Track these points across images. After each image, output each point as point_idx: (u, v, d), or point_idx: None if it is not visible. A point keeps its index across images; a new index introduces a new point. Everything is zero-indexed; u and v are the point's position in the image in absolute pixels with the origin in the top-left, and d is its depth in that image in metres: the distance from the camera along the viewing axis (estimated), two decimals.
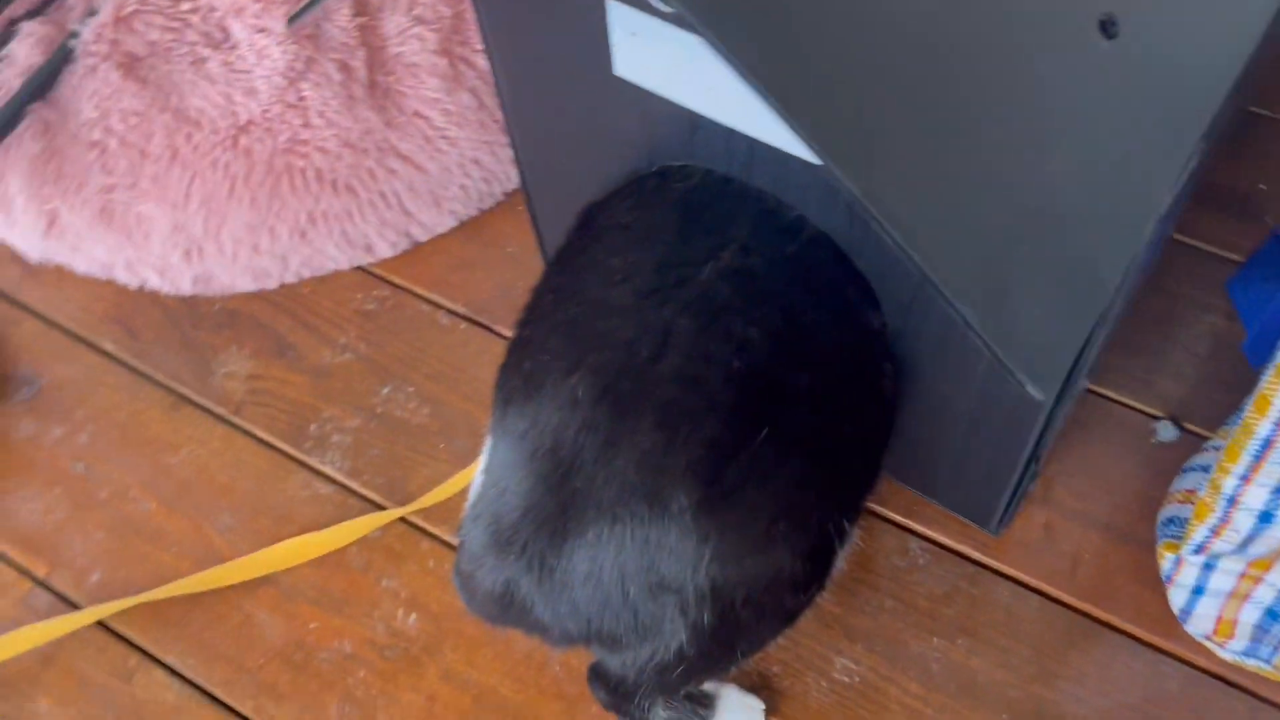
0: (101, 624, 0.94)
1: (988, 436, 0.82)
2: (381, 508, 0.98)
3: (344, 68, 1.03)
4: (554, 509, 0.65)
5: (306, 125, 1.04)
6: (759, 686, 0.87)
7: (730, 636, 0.69)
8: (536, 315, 0.76)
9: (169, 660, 0.93)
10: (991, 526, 0.92)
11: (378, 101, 1.06)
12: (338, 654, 0.92)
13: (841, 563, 0.74)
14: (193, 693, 0.91)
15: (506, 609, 0.69)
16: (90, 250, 1.10)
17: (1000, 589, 0.90)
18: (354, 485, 1.00)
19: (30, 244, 1.12)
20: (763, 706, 0.84)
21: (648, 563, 0.64)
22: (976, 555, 0.92)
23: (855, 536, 0.77)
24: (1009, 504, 0.89)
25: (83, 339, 1.12)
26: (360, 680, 0.90)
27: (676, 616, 0.65)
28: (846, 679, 0.87)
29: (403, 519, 0.97)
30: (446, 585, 0.94)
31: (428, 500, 0.96)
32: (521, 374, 0.71)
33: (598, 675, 0.79)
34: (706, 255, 0.69)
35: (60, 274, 1.16)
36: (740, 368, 0.66)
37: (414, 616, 0.93)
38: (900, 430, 0.83)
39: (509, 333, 1.07)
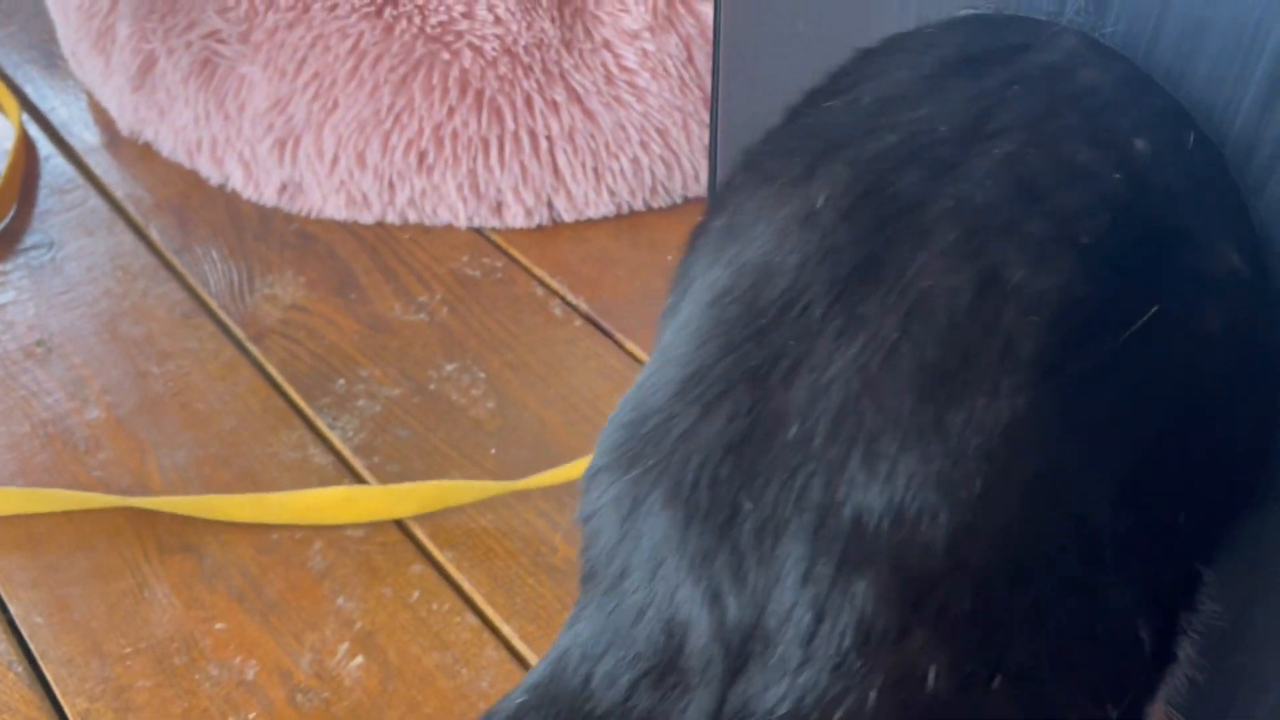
0: None
1: None
2: None
3: None
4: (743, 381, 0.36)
5: (468, 15, 0.81)
6: None
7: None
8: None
9: (12, 607, 0.63)
10: None
11: (565, 17, 0.83)
12: (233, 677, 0.60)
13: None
14: (16, 662, 0.61)
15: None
16: (178, 116, 0.89)
17: None
18: (357, 464, 0.71)
19: (121, 100, 0.93)
20: None
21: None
22: None
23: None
24: None
25: (127, 217, 0.90)
26: None
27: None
28: None
29: (398, 523, 0.67)
30: (421, 632, 0.62)
31: (546, 479, 0.68)
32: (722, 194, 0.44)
33: None
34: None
35: (144, 153, 0.95)
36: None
37: (359, 660, 0.61)
38: None
39: (633, 346, 0.79)
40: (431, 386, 0.76)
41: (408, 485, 0.68)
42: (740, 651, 0.35)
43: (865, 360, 0.35)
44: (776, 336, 0.36)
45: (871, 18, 0.53)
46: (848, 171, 0.38)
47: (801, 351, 0.36)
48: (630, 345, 0.79)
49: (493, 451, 0.72)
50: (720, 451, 0.36)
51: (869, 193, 0.37)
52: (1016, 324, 0.34)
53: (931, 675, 0.34)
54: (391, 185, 0.86)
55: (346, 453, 0.72)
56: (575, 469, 0.67)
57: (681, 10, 0.83)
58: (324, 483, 0.70)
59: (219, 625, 0.62)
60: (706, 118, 0.85)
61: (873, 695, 0.34)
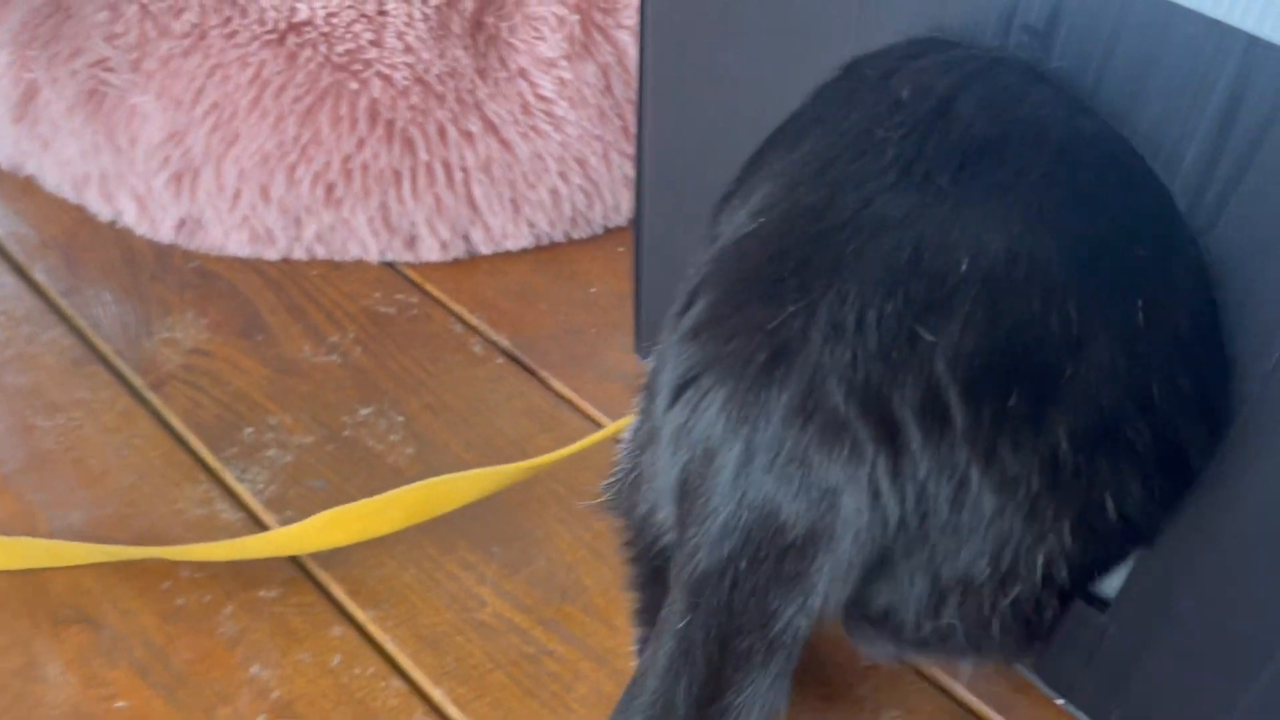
0: None
1: None
2: (296, 558, 0.64)
3: None
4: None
5: (377, 43, 0.78)
6: None
7: None
8: None
9: None
10: None
11: (478, 45, 0.80)
12: None
13: None
14: None
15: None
16: (63, 149, 0.83)
17: None
18: (269, 519, 0.67)
19: (0, 132, 0.87)
20: None
21: None
22: None
23: None
24: None
25: (9, 257, 0.84)
26: None
27: None
28: None
29: (316, 581, 0.63)
30: (345, 701, 0.58)
31: (564, 453, 0.65)
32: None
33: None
34: None
35: (25, 187, 0.89)
36: None
37: None
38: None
39: (559, 384, 0.76)
40: (346, 433, 0.72)
41: (392, 492, 0.63)
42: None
43: None
44: None
45: (806, 44, 0.52)
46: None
47: None
48: (555, 383, 0.76)
49: None
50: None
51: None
52: None
53: (1110, 504, 0.41)
54: (298, 220, 0.82)
55: (256, 507, 0.67)
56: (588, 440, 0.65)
57: (599, 38, 0.81)
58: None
59: (120, 704, 0.58)
60: (627, 147, 0.83)
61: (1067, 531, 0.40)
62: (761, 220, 0.43)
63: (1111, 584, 0.52)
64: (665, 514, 0.45)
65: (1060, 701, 0.59)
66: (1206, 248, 0.41)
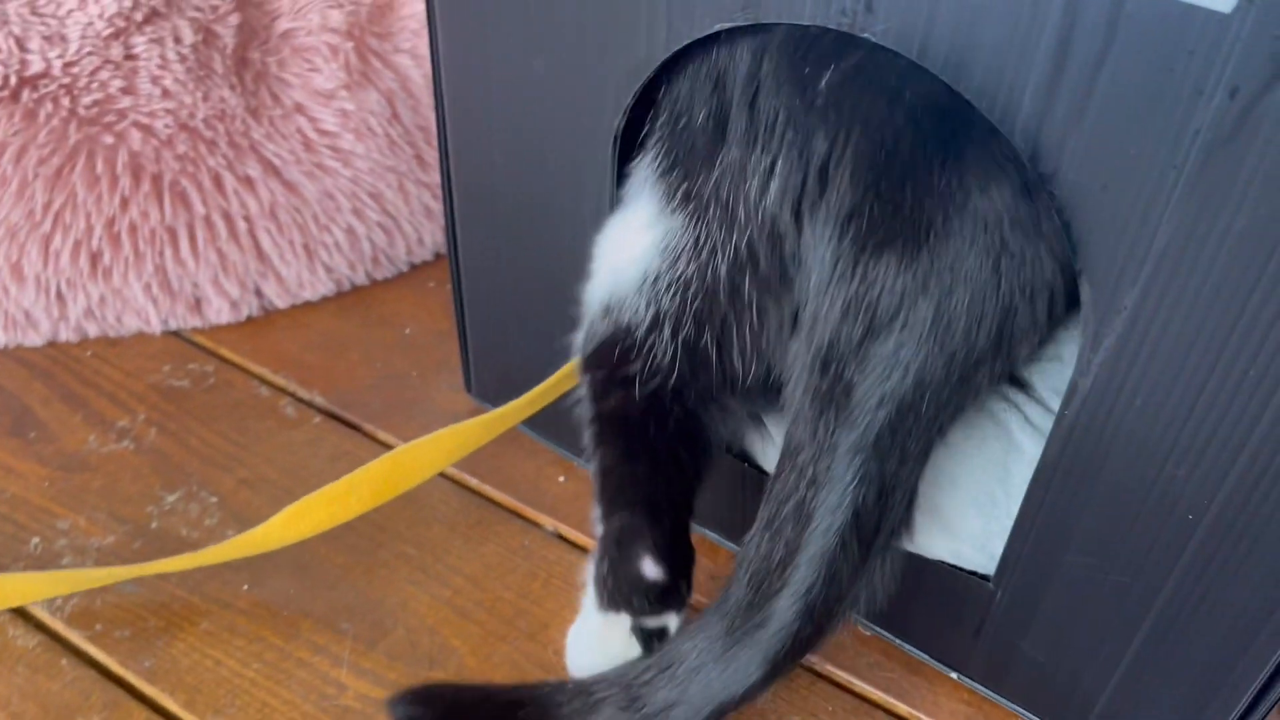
0: None
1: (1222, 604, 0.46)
2: (115, 676, 0.56)
3: (204, 31, 0.71)
4: None
5: (130, 90, 0.70)
6: None
7: None
8: None
9: None
10: None
11: (246, 83, 0.73)
12: None
13: None
14: None
15: None
16: None
17: None
18: (74, 639, 0.58)
19: None
20: None
21: None
22: None
23: None
24: None
25: None
26: None
27: None
28: None
29: (142, 697, 0.55)
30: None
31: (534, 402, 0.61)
32: None
33: None
34: None
35: None
36: None
37: None
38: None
39: (385, 435, 0.70)
40: (154, 525, 0.64)
41: (355, 473, 0.57)
42: None
43: None
44: None
45: (616, 47, 0.49)
46: None
47: None
48: (383, 434, 0.71)
49: (245, 588, 0.61)
50: None
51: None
52: None
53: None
54: (60, 297, 0.72)
55: (58, 627, 0.58)
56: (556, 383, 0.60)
57: (378, 65, 0.76)
58: (32, 671, 0.56)
59: None
60: (423, 176, 0.79)
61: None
62: None
63: (995, 546, 0.52)
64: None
65: (955, 675, 0.58)
66: (1052, 193, 0.40)
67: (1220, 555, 0.45)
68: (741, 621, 0.45)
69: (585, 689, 0.48)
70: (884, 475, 0.45)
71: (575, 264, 0.59)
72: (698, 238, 0.48)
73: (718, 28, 0.45)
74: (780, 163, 0.45)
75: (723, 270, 0.48)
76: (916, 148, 0.43)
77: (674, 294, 0.49)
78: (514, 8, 0.51)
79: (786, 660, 0.45)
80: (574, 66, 0.51)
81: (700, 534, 0.65)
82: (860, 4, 0.41)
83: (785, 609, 0.44)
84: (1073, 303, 0.46)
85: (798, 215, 0.46)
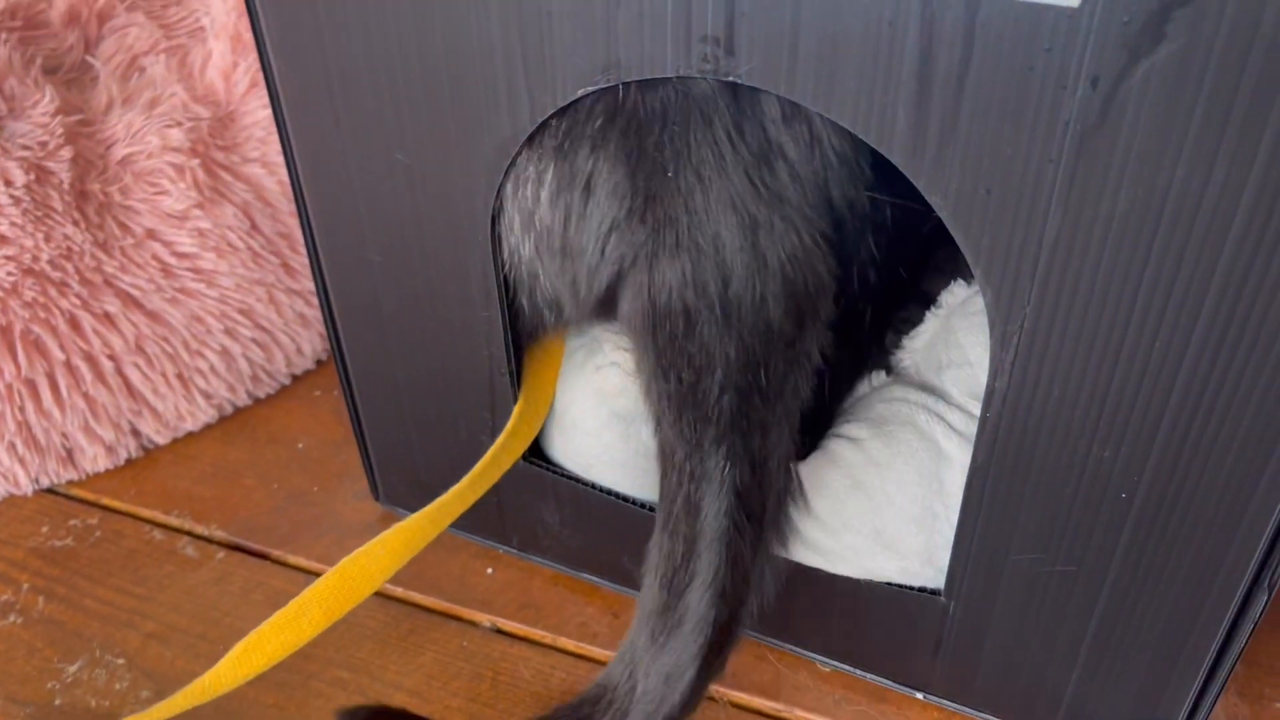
0: None
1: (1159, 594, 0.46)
2: None
3: (35, 170, 0.68)
4: None
5: None
6: None
7: None
8: None
9: None
10: None
11: (90, 216, 0.69)
12: None
13: None
14: None
15: None
16: None
17: None
18: None
19: None
20: None
21: None
22: None
23: None
24: None
25: None
26: None
27: None
28: None
29: None
30: None
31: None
32: None
33: None
34: None
35: None
36: None
37: None
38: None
39: (297, 559, 0.67)
40: (58, 701, 0.59)
41: (301, 594, 0.52)
42: None
43: None
44: None
45: (478, 127, 0.48)
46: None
47: None
48: (293, 558, 0.67)
49: None
50: None
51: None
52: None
53: None
54: None
55: None
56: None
57: (228, 178, 0.73)
58: None
59: None
60: (293, 283, 0.76)
61: None
62: None
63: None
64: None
65: (920, 696, 0.58)
66: (937, 206, 0.41)
67: (1157, 529, 0.46)
68: (661, 625, 0.46)
69: None
70: (751, 451, 0.48)
71: (470, 349, 0.57)
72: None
73: (581, 93, 0.45)
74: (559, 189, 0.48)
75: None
76: (661, 143, 0.45)
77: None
78: (365, 102, 0.50)
79: (715, 653, 0.46)
80: (438, 153, 0.50)
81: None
82: (720, 49, 0.41)
83: (698, 600, 0.46)
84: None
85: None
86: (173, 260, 0.71)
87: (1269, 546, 0.45)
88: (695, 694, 0.46)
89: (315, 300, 0.78)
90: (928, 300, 0.57)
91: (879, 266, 0.54)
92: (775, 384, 0.48)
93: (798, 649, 0.60)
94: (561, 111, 0.46)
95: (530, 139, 0.47)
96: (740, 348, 0.47)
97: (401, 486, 0.68)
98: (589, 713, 0.49)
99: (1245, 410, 0.41)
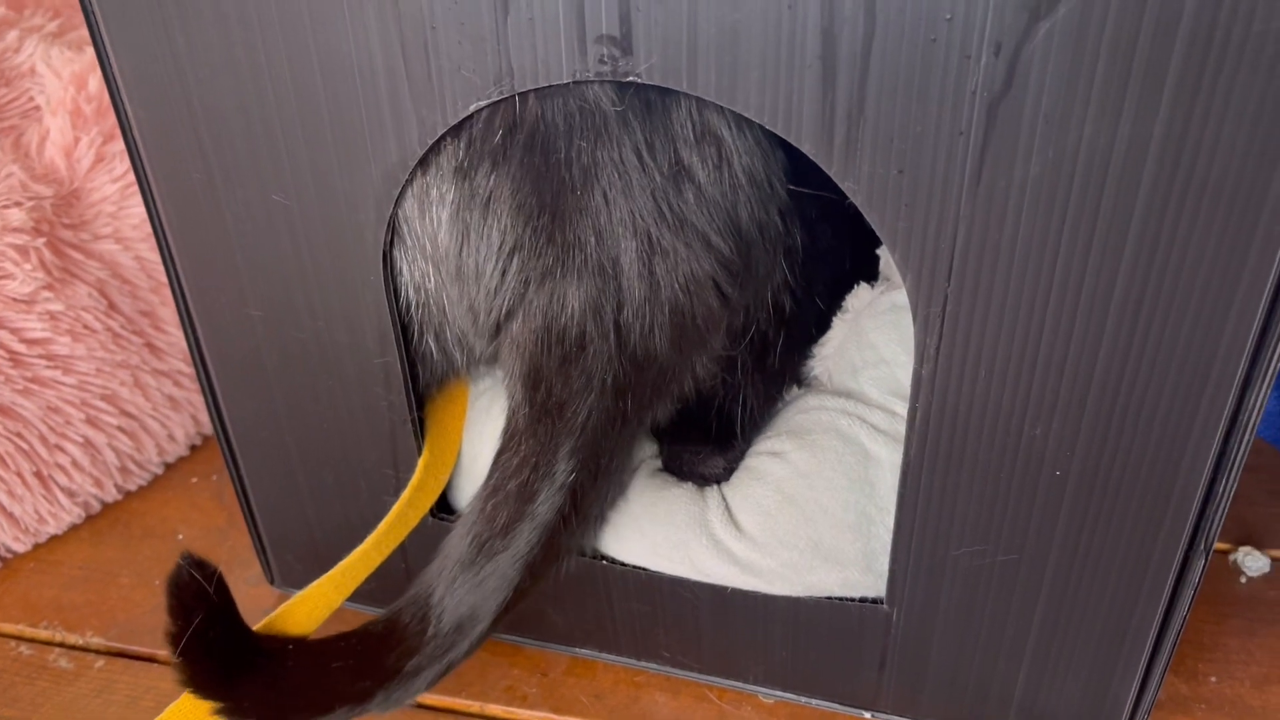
0: None
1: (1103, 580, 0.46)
2: None
3: None
4: None
5: None
6: None
7: None
8: None
9: None
10: None
11: None
12: None
13: None
14: None
15: None
16: None
17: None
18: None
19: None
20: None
21: None
22: None
23: None
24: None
25: None
26: None
27: None
28: None
29: None
30: None
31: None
32: None
33: None
34: None
35: None
36: None
37: None
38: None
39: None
40: None
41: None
42: None
43: None
44: None
45: (363, 155, 0.45)
46: None
47: None
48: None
49: None
50: None
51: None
52: None
53: None
54: None
55: None
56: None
57: (79, 256, 0.68)
58: None
59: None
60: (158, 365, 0.71)
61: None
62: None
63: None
64: None
65: (869, 715, 0.56)
66: (850, 192, 0.40)
67: (1094, 503, 0.45)
68: (464, 579, 0.48)
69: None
70: (599, 465, 0.49)
71: (367, 401, 0.53)
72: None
73: (473, 108, 0.43)
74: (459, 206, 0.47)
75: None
76: (569, 159, 0.44)
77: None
78: (236, 142, 0.47)
79: (506, 610, 0.49)
80: (320, 189, 0.47)
81: (576, 654, 0.60)
82: (616, 49, 0.40)
83: (509, 567, 0.48)
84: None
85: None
86: (22, 348, 0.65)
87: (1200, 508, 0.45)
88: (479, 642, 0.49)
89: (185, 381, 0.73)
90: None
91: (794, 293, 0.53)
92: (640, 410, 0.49)
93: (739, 684, 0.58)
94: (457, 130, 0.44)
95: (430, 162, 0.45)
96: (619, 374, 0.47)
97: (298, 566, 0.63)
98: (378, 649, 0.49)
99: (1169, 368, 0.41)
